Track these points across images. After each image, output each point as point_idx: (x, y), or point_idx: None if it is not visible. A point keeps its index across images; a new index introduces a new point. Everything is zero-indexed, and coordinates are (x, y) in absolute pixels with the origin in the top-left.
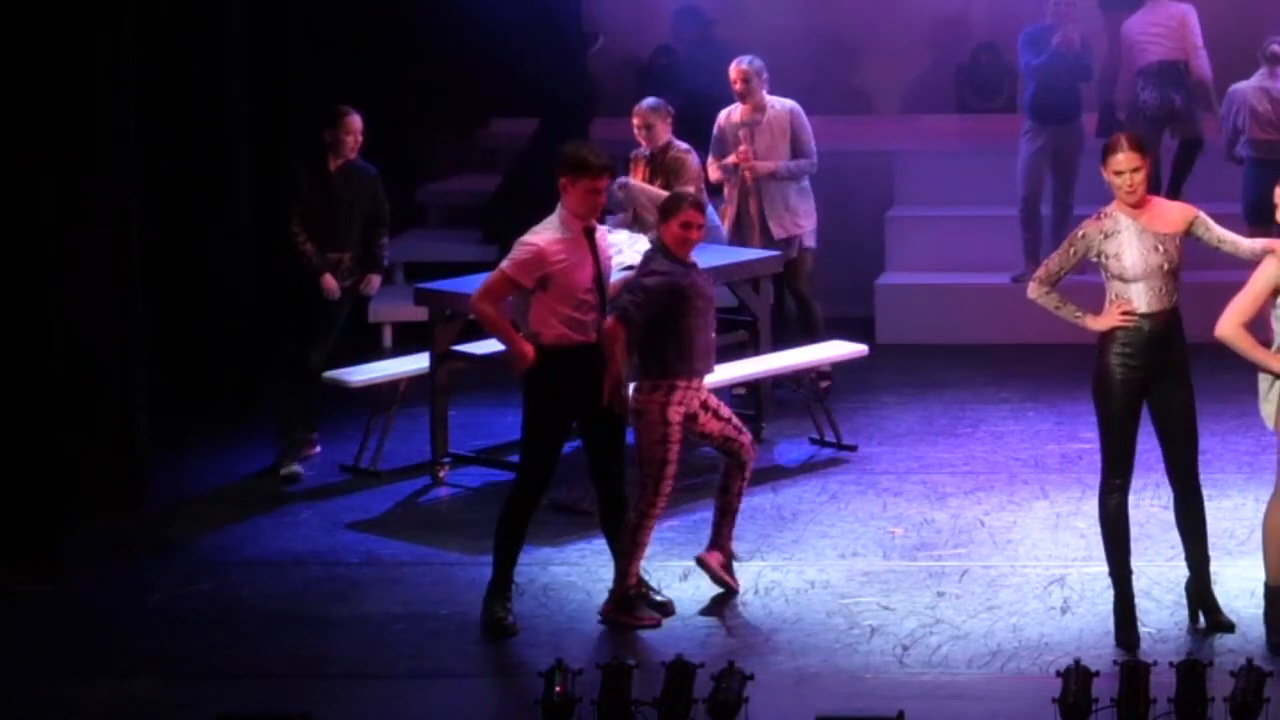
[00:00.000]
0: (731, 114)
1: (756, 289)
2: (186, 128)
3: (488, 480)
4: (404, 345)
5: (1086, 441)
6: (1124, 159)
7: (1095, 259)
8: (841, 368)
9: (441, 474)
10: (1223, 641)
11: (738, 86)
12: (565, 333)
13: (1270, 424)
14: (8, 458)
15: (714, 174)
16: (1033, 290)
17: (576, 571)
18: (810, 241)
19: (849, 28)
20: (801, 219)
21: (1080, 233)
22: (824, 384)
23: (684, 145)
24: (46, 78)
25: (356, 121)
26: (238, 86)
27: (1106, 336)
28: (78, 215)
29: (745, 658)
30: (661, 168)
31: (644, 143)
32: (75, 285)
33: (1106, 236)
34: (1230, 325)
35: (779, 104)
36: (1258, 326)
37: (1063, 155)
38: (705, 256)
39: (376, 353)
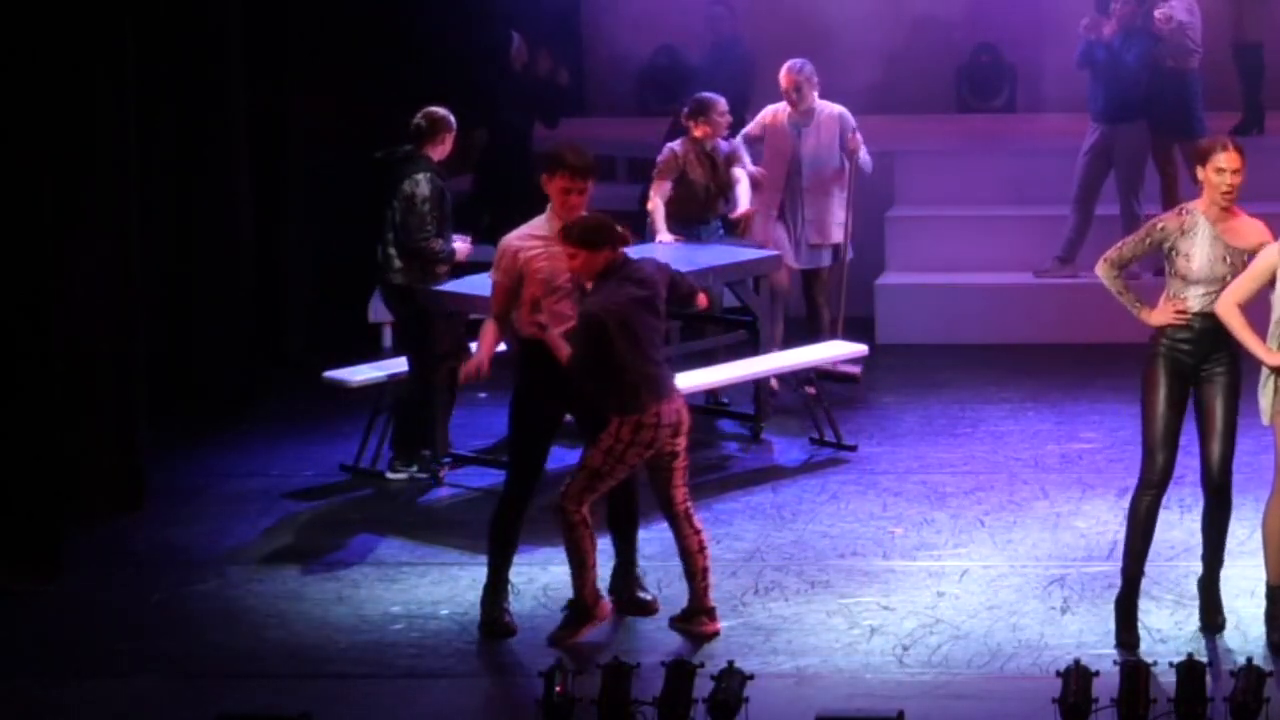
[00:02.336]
0: (779, 113)
1: (757, 289)
2: (186, 128)
3: (488, 480)
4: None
5: (1087, 441)
6: (1227, 158)
7: (1166, 253)
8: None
9: (441, 474)
10: (1223, 641)
11: (789, 91)
12: (538, 328)
13: (1266, 419)
14: (8, 458)
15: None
16: (1101, 269)
17: None
18: (849, 251)
19: (849, 28)
20: (840, 228)
21: (1159, 224)
22: (854, 370)
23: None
24: (46, 78)
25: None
26: (238, 86)
27: (1158, 333)
28: (78, 215)
29: (745, 658)
30: (727, 159)
31: (716, 137)
32: (75, 285)
33: (1183, 233)
34: (1226, 304)
35: (828, 108)
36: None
37: (1117, 157)
38: (705, 256)
39: (376, 353)
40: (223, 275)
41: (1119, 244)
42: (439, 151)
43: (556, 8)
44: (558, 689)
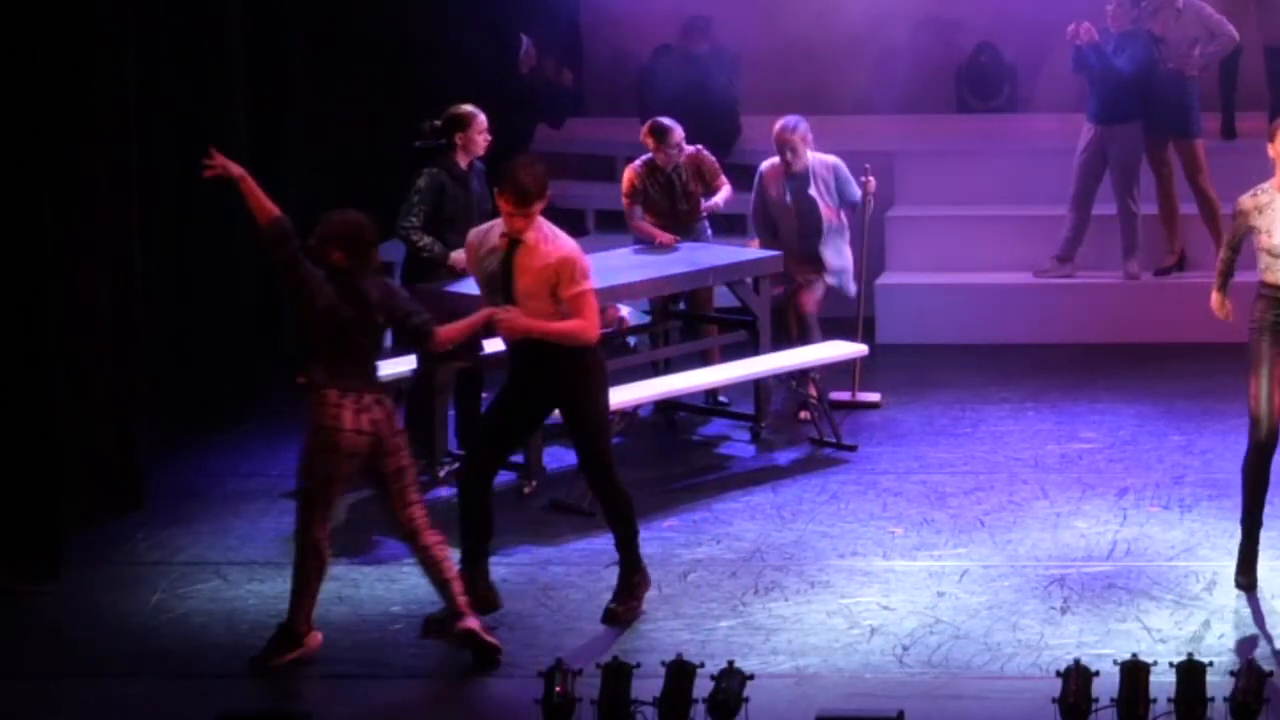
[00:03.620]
0: (775, 169)
1: (757, 289)
2: (186, 128)
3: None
4: (404, 345)
5: (1086, 441)
6: None
7: (1249, 232)
8: (841, 368)
9: (441, 474)
10: (1223, 641)
11: (785, 150)
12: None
13: None
14: (8, 458)
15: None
16: (1222, 252)
17: (576, 571)
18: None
19: (849, 28)
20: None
21: (1237, 208)
22: (873, 397)
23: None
24: (47, 78)
25: (484, 119)
26: (238, 86)
27: (1253, 307)
28: (78, 216)
29: (745, 658)
30: (696, 173)
31: (676, 159)
32: (75, 285)
33: (1259, 211)
34: None
35: (820, 160)
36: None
37: (1112, 157)
38: (707, 256)
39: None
40: (223, 275)
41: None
42: (460, 149)
43: (557, 7)
44: (558, 689)
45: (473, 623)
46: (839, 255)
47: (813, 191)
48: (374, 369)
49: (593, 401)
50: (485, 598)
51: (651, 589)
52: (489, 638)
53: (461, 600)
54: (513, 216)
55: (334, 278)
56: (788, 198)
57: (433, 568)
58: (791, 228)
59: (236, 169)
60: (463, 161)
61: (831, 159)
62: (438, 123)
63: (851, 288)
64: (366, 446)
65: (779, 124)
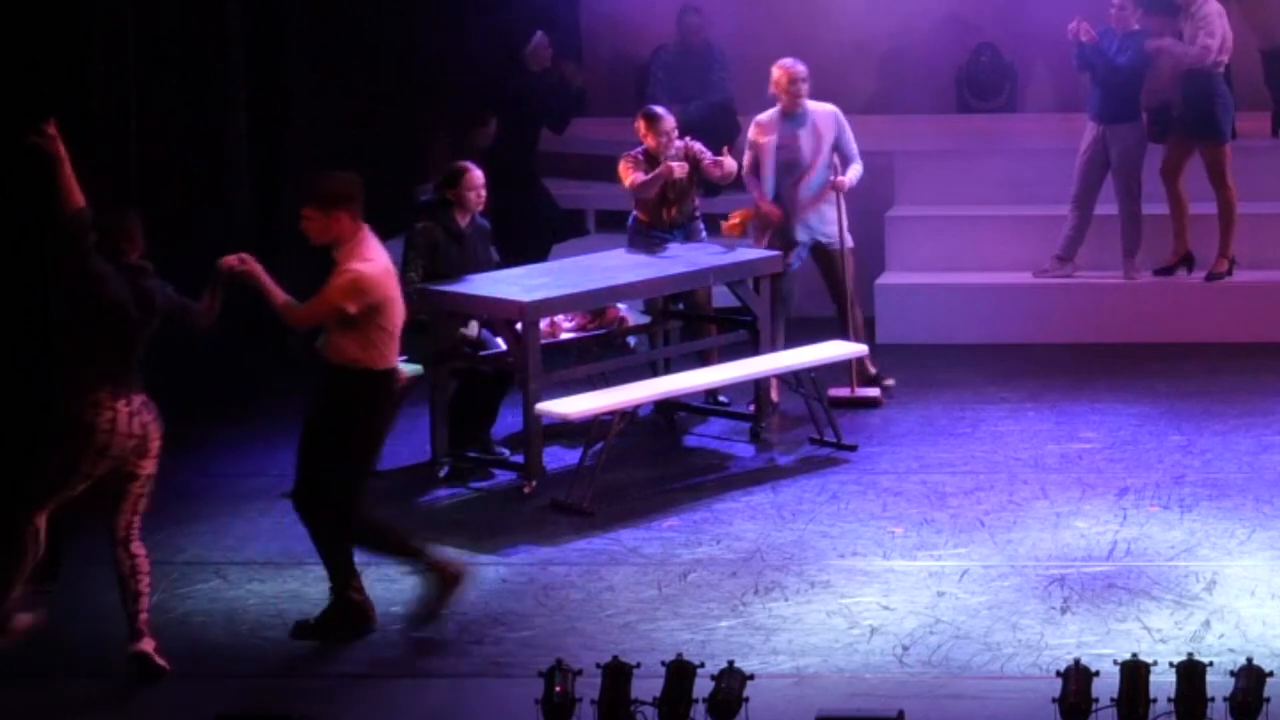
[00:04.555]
0: (770, 122)
1: (757, 289)
2: (186, 128)
3: (488, 481)
4: (404, 345)
5: (1086, 441)
6: None
7: None
8: (841, 368)
9: (441, 474)
10: (1223, 641)
11: (783, 90)
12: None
13: None
14: (8, 458)
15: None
16: None
17: (576, 571)
18: (848, 241)
19: (849, 28)
20: (829, 224)
21: None
22: (888, 382)
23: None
24: (47, 78)
25: (478, 177)
26: (238, 86)
27: None
28: None
29: (745, 658)
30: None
31: (668, 147)
32: None
33: None
34: None
35: (821, 108)
36: None
37: (1114, 157)
38: (706, 256)
39: None
40: None
41: None
42: (457, 205)
43: (557, 7)
44: (558, 689)
45: (148, 645)
46: (821, 216)
47: (809, 136)
48: (141, 370)
49: (353, 430)
50: (362, 611)
51: (651, 589)
52: (160, 661)
53: (143, 618)
54: (304, 220)
55: (123, 275)
56: (790, 138)
57: (131, 577)
58: (780, 173)
59: (60, 149)
60: (461, 219)
61: (831, 107)
62: (439, 178)
63: (847, 239)
64: (132, 449)
65: (779, 65)
